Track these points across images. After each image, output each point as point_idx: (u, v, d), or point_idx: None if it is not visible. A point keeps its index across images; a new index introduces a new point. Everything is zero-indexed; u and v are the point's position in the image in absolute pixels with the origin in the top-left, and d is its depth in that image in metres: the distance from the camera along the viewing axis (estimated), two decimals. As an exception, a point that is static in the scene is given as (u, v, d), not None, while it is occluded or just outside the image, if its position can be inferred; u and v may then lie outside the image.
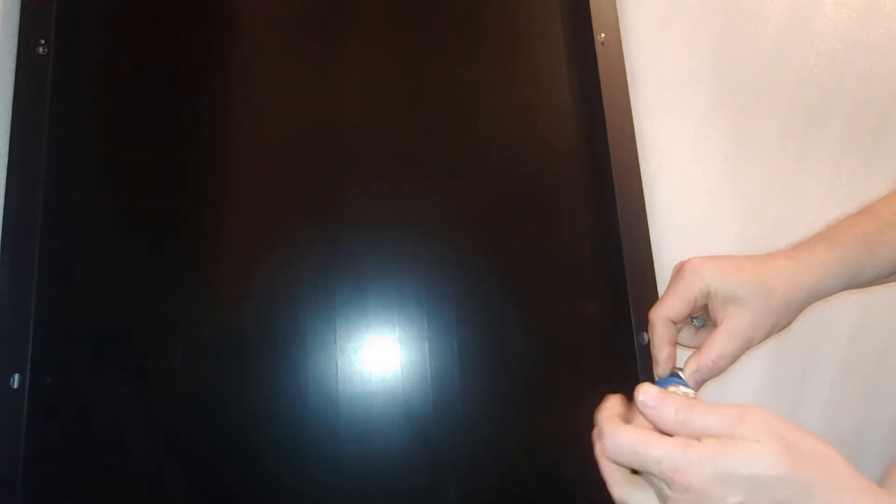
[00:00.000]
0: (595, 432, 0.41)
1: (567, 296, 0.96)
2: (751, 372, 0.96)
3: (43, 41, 0.90)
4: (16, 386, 0.81)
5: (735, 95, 1.06)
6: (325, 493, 0.85)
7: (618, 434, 0.36)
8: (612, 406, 0.40)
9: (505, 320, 0.93)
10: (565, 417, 0.91)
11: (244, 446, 0.85)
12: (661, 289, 0.93)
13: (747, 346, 0.45)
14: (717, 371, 0.45)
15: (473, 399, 0.89)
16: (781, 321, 0.46)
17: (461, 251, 0.94)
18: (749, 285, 0.45)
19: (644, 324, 0.74)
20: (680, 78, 1.05)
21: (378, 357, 0.90)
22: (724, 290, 0.46)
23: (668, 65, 1.05)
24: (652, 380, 0.45)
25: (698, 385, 0.45)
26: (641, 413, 0.38)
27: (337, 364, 0.89)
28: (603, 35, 1.01)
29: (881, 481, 0.52)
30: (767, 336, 0.46)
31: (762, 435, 0.33)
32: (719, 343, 0.45)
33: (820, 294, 0.46)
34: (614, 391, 0.43)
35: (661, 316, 0.47)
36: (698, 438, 0.34)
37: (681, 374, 0.45)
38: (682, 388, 0.43)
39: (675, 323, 0.48)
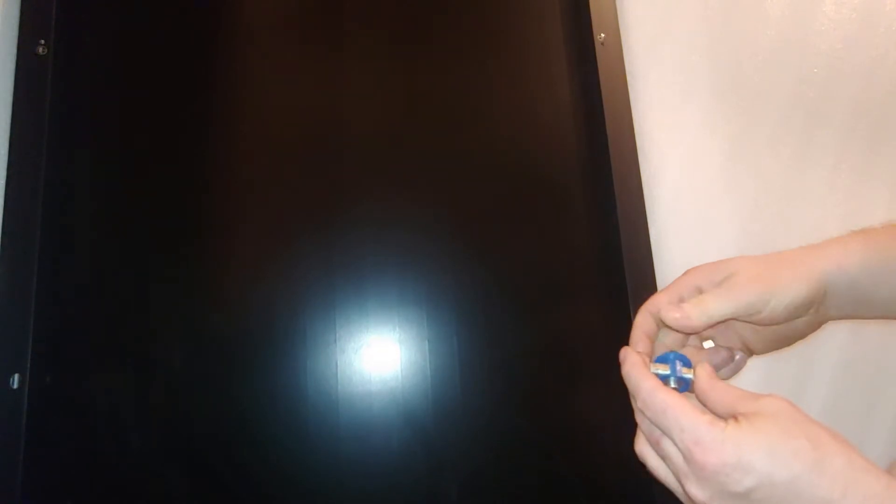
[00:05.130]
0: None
1: (567, 295, 0.96)
2: (750, 372, 0.96)
3: (43, 41, 0.90)
4: (16, 386, 0.81)
5: (735, 95, 1.06)
6: (325, 493, 0.85)
7: (656, 393, 0.37)
8: (637, 360, 0.39)
9: (504, 320, 0.93)
10: (564, 417, 0.91)
11: (244, 446, 0.85)
12: (661, 288, 0.93)
13: (740, 306, 0.41)
14: (701, 314, 0.42)
15: (473, 399, 0.89)
16: (788, 288, 0.41)
17: (461, 251, 0.94)
18: (743, 260, 0.44)
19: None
20: (680, 78, 1.05)
21: (378, 357, 0.90)
22: (716, 273, 0.44)
23: (668, 65, 1.05)
24: None
25: (686, 330, 0.43)
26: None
27: (337, 364, 0.89)
28: (603, 35, 1.01)
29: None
30: (779, 305, 0.41)
31: (788, 424, 0.33)
32: (706, 295, 0.43)
33: (844, 272, 0.42)
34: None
35: (643, 308, 0.47)
36: (726, 420, 0.34)
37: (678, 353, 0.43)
38: (685, 369, 0.41)
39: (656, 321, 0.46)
